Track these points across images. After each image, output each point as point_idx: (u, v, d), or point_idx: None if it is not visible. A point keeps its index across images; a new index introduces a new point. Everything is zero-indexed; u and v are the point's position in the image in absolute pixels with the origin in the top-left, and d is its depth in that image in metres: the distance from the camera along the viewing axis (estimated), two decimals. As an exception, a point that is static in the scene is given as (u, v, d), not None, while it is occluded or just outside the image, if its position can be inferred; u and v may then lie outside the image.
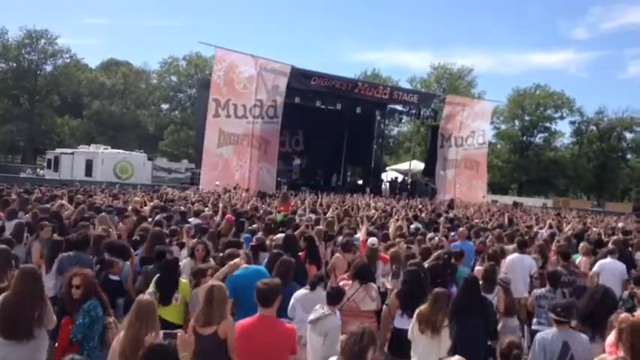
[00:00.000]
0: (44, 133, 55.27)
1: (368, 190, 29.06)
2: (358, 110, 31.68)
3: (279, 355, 4.32)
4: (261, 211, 12.92)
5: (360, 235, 9.20)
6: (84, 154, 31.93)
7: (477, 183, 33.76)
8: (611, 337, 4.50)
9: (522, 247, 8.83)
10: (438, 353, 5.17)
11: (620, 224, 18.00)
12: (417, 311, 5.47)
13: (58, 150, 36.06)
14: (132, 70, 62.57)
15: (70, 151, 33.77)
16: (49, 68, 56.16)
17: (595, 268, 8.46)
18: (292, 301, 5.69)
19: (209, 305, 4.46)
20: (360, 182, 35.26)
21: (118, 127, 55.47)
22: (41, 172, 34.38)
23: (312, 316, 5.14)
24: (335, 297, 5.33)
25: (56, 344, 4.68)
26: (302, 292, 5.60)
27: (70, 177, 27.22)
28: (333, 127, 32.80)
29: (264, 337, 4.22)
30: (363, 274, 6.25)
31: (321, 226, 9.90)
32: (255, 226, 9.92)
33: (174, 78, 61.79)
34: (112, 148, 35.45)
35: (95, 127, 55.39)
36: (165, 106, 64.31)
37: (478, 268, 8.13)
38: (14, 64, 53.42)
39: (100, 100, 56.33)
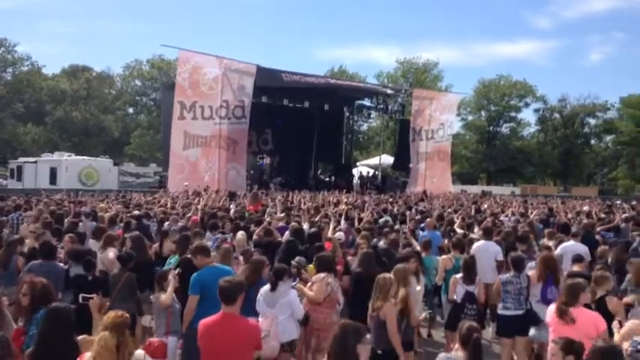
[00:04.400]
0: (6, 142, 53.80)
1: (337, 186, 29.02)
2: (326, 107, 31.67)
3: (244, 352, 4.30)
4: (231, 212, 12.83)
5: (329, 232, 9.28)
6: (47, 162, 31.17)
7: (447, 174, 34.36)
8: None
9: (488, 235, 8.98)
10: None
11: (585, 207, 18.45)
12: None
13: (21, 159, 35.23)
14: (95, 76, 61.36)
15: (33, 159, 32.96)
16: (8, 77, 54.83)
17: (557, 250, 8.66)
18: (258, 296, 5.77)
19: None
20: (332, 179, 35.19)
21: (82, 133, 54.52)
22: (4, 182, 33.50)
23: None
24: None
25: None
26: (266, 288, 5.64)
27: (33, 186, 26.54)
28: (302, 125, 32.31)
29: (228, 335, 4.19)
30: (330, 265, 6.45)
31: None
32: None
33: (138, 82, 60.91)
34: (77, 154, 34.78)
35: (59, 134, 54.34)
36: (130, 110, 63.39)
37: (444, 257, 8.22)
38: (-28, 74, 51.99)
39: (62, 106, 55.12)
